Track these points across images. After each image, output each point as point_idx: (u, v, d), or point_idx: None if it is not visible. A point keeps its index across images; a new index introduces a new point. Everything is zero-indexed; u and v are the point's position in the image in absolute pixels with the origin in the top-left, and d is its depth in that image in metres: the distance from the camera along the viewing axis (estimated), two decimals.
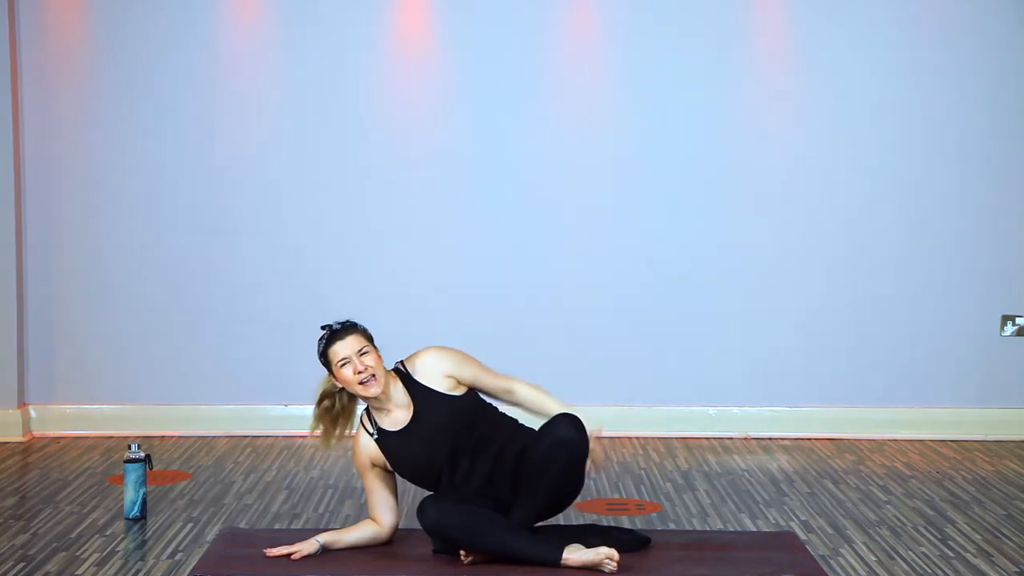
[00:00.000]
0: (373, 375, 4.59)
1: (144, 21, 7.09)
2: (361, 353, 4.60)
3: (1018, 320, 7.22)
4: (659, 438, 7.17)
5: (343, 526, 5.19)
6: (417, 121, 7.18)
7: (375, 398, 4.64)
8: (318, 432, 4.76)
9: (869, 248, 7.20)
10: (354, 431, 4.78)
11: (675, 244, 7.20)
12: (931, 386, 7.24)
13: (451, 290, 7.19)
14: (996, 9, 7.09)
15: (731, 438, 7.19)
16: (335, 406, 4.73)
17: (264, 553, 4.63)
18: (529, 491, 4.57)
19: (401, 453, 4.67)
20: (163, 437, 7.14)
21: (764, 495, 6.02)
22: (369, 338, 4.67)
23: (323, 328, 4.70)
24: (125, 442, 6.85)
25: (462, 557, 4.54)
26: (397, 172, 7.19)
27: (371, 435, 4.70)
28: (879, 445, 7.07)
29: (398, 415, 4.68)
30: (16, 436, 7.07)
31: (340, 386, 4.66)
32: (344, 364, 4.60)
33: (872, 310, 7.21)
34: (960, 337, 7.22)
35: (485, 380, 4.74)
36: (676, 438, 7.18)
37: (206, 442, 7.06)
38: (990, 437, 7.18)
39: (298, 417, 7.17)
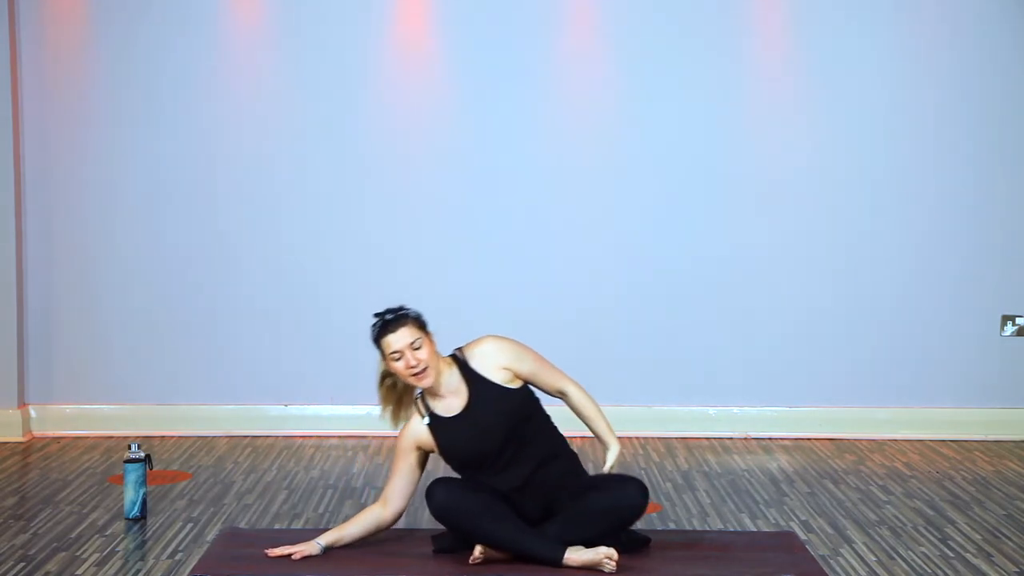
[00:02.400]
0: (426, 367, 4.54)
1: (144, 22, 7.09)
2: (414, 347, 4.53)
3: (1018, 320, 7.22)
4: (659, 438, 7.17)
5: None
6: (416, 122, 7.18)
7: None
8: (387, 414, 4.69)
9: (869, 248, 7.20)
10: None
11: (675, 244, 7.20)
12: (931, 386, 7.24)
13: (450, 290, 7.19)
14: (998, 10, 7.09)
15: (731, 438, 7.19)
16: (397, 384, 4.65)
17: (265, 553, 4.62)
18: (576, 524, 4.54)
19: (451, 439, 4.60)
20: (163, 437, 7.14)
21: (764, 495, 6.02)
22: (422, 326, 4.59)
23: (375, 316, 4.60)
24: (125, 442, 6.86)
25: (477, 553, 4.50)
26: (396, 173, 7.19)
27: (423, 418, 4.66)
28: (879, 445, 7.07)
29: (451, 402, 4.62)
30: (16, 436, 7.08)
31: None
32: (396, 357, 4.54)
33: (872, 310, 7.22)
34: (960, 337, 7.22)
35: (541, 376, 4.69)
36: (676, 438, 7.18)
37: (206, 442, 7.06)
38: (990, 437, 7.18)
39: (298, 417, 7.21)
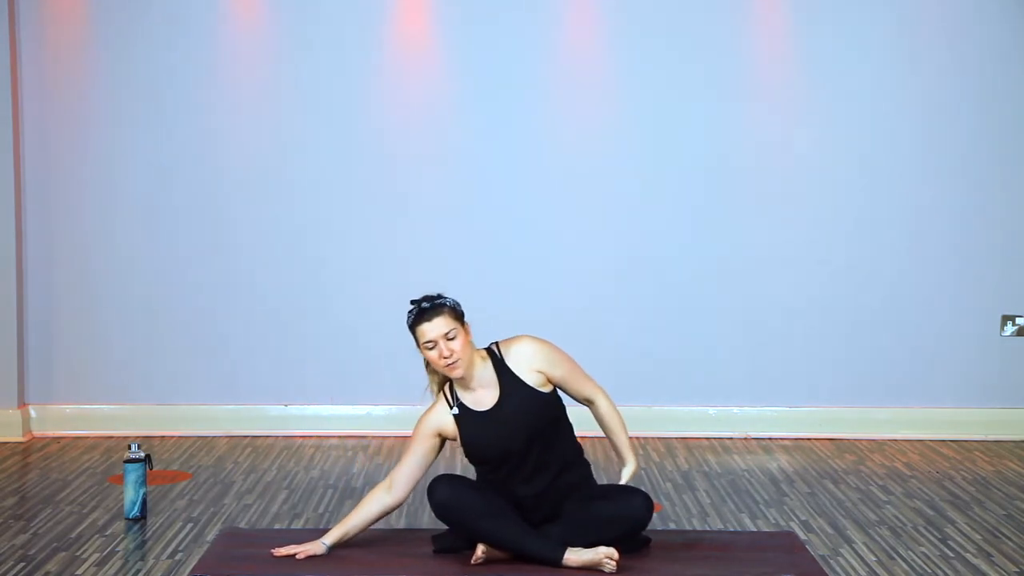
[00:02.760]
0: (458, 359, 4.51)
1: (144, 22, 7.09)
2: (448, 337, 4.50)
3: (1018, 320, 7.22)
4: (659, 438, 7.17)
5: None
6: (416, 121, 7.17)
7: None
8: (441, 399, 4.67)
9: (869, 248, 7.20)
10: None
11: (675, 244, 7.20)
12: (931, 386, 7.24)
13: (450, 291, 7.14)
14: (996, 9, 7.09)
15: (731, 438, 7.19)
16: None
17: (271, 553, 4.61)
18: (579, 530, 4.54)
19: (476, 434, 4.58)
20: (163, 437, 7.14)
21: (764, 495, 6.02)
22: (458, 316, 4.57)
23: (412, 303, 4.58)
24: (125, 442, 6.86)
25: (479, 553, 4.50)
26: (396, 173, 7.19)
27: (450, 407, 4.62)
28: (879, 445, 7.07)
29: (482, 395, 4.60)
30: (16, 436, 7.08)
31: None
32: (430, 346, 4.51)
33: (872, 310, 7.22)
34: (960, 337, 7.22)
35: (571, 383, 4.67)
36: (676, 438, 7.18)
37: (206, 442, 7.06)
38: (990, 437, 7.19)
39: (298, 417, 7.21)
